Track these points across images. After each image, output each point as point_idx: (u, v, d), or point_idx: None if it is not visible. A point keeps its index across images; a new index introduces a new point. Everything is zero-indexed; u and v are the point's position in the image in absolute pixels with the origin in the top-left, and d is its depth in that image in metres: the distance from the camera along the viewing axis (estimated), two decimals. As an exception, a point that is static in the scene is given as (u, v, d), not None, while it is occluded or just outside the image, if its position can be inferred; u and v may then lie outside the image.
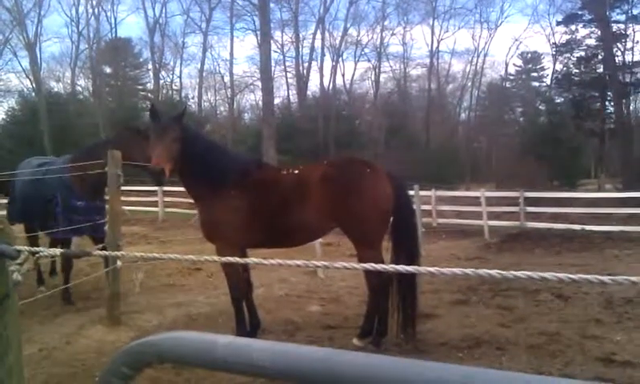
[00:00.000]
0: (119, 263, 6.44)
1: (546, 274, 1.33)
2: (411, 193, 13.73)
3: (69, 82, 49.98)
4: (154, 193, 19.70)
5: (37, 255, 2.00)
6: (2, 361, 1.67)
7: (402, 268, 1.80)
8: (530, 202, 17.88)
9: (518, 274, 1.34)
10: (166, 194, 20.41)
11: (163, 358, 1.14)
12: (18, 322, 1.82)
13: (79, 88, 51.49)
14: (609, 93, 37.48)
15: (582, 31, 39.98)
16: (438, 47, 51.54)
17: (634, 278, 1.31)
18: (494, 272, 1.40)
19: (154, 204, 20.19)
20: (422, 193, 16.02)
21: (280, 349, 1.03)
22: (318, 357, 0.98)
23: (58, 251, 2.08)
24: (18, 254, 1.72)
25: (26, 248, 1.75)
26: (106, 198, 7.02)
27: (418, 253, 5.84)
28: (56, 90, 48.32)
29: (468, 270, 1.48)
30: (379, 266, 1.77)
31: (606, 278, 1.41)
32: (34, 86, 44.38)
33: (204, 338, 1.11)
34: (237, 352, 1.05)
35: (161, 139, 5.14)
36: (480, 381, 0.83)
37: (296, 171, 5.65)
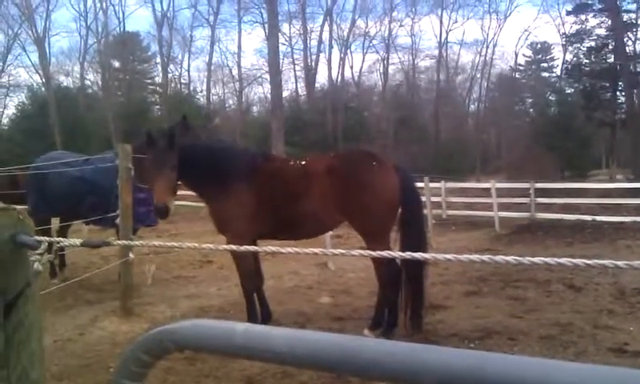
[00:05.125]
0: (131, 255, 6.49)
1: (562, 260, 1.33)
2: (421, 185, 13.73)
3: (78, 76, 50.01)
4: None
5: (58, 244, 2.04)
6: (24, 349, 1.69)
7: (418, 255, 1.79)
8: (541, 192, 17.79)
9: (535, 259, 1.35)
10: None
11: (182, 345, 1.14)
12: (38, 311, 1.85)
13: (88, 82, 51.58)
14: (619, 83, 37.13)
15: (593, 21, 39.73)
16: (446, 38, 51.41)
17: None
18: (510, 258, 1.40)
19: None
20: (432, 185, 16.01)
21: (298, 335, 1.02)
22: (337, 343, 0.97)
23: (78, 242, 2.10)
24: (39, 245, 1.75)
25: (46, 239, 1.78)
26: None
27: (425, 245, 5.83)
28: (65, 84, 48.40)
29: (484, 257, 1.48)
30: (396, 254, 1.77)
31: (621, 263, 1.41)
32: (43, 80, 44.46)
33: (222, 325, 1.11)
34: (255, 339, 1.05)
35: (159, 171, 5.10)
36: (495, 365, 0.83)
37: (302, 162, 5.66)
